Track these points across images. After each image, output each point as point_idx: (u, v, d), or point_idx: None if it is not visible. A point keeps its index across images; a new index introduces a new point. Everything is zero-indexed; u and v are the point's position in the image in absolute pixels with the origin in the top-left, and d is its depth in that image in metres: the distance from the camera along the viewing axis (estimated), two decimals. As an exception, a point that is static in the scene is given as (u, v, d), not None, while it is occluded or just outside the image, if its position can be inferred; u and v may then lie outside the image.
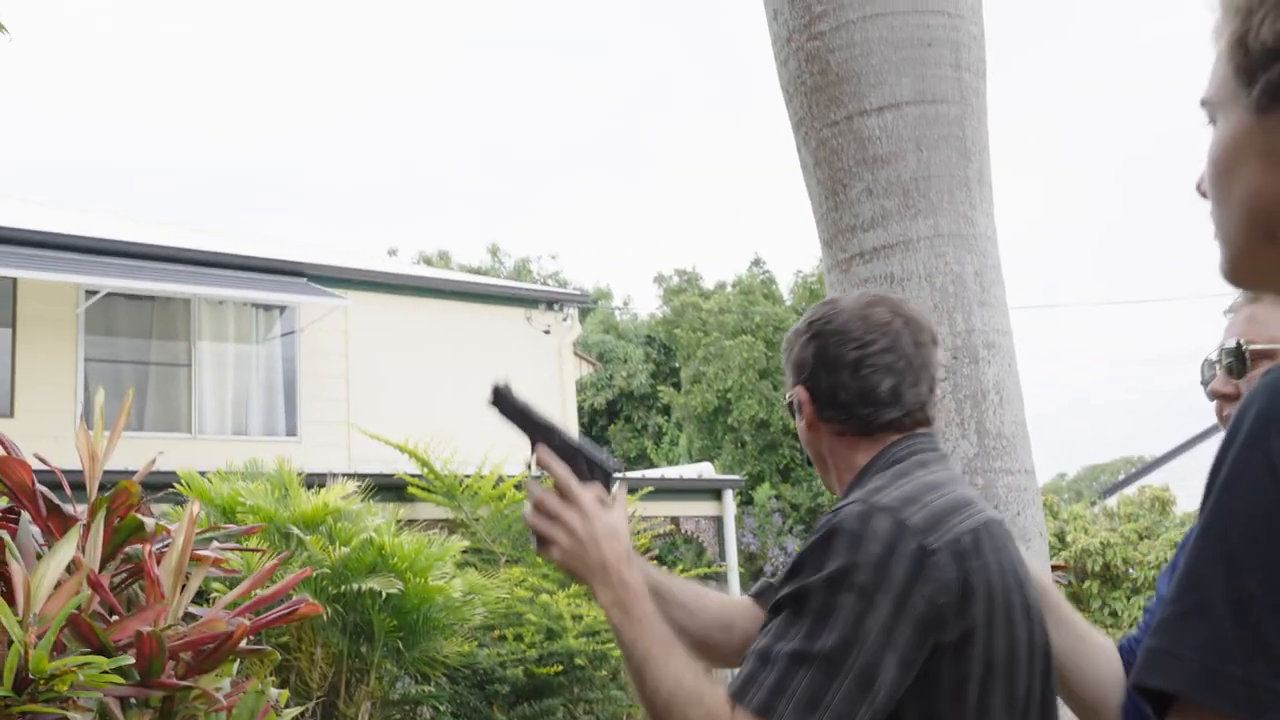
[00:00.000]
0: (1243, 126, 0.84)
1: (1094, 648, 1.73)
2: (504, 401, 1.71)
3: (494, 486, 8.19)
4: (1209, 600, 0.69)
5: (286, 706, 3.54)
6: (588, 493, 1.58)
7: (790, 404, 1.78)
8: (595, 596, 1.58)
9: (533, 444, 1.66)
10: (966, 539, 1.51)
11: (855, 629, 1.40)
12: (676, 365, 31.54)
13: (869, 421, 1.68)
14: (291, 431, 13.44)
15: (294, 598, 3.59)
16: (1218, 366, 1.67)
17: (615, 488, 1.65)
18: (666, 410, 31.21)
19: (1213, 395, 1.69)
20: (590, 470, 1.63)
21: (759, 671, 1.41)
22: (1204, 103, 0.90)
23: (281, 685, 4.86)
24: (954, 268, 2.87)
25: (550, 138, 70.34)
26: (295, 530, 6.38)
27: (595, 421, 31.72)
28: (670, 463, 26.73)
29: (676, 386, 30.88)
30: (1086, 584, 13.76)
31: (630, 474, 16.28)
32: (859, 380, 1.69)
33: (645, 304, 47.56)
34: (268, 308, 13.68)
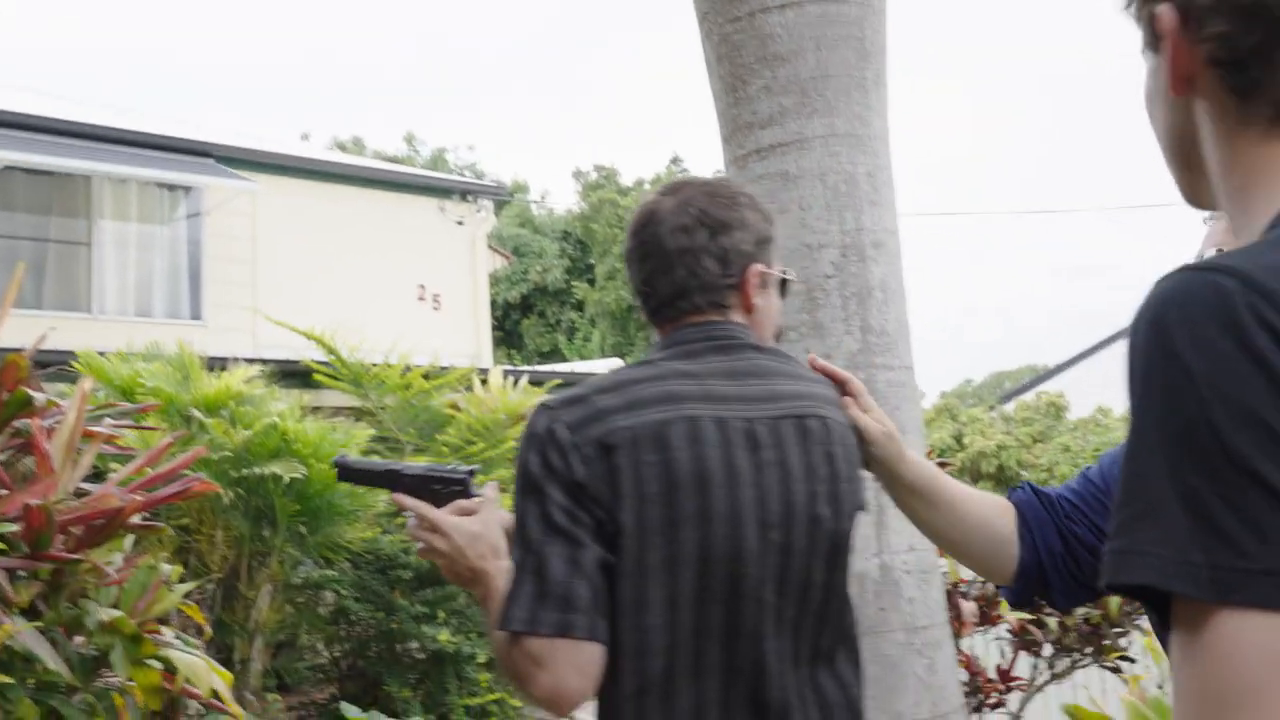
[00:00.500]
0: (1150, 70, 0.95)
1: (979, 513, 1.77)
2: (346, 470, 1.82)
3: (401, 375, 8.17)
4: (1158, 498, 0.73)
5: (181, 582, 3.58)
6: (444, 513, 1.67)
7: None
8: (474, 596, 1.70)
9: (391, 491, 1.74)
10: (623, 435, 1.52)
11: (544, 522, 1.52)
12: (592, 261, 31.46)
13: (648, 313, 1.73)
14: (195, 315, 13.21)
15: (189, 476, 3.61)
16: None
17: (480, 488, 1.73)
18: (580, 306, 31.20)
19: None
20: (446, 486, 1.72)
21: (506, 590, 1.56)
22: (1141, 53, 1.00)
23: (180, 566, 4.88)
24: (846, 167, 2.92)
25: (485, 37, 68.54)
26: (196, 413, 6.33)
27: (509, 315, 31.62)
28: (583, 358, 26.81)
29: (591, 283, 30.84)
30: (980, 484, 14.24)
31: (540, 368, 16.31)
32: (629, 272, 1.75)
33: (563, 199, 47.13)
34: (172, 188, 13.33)
